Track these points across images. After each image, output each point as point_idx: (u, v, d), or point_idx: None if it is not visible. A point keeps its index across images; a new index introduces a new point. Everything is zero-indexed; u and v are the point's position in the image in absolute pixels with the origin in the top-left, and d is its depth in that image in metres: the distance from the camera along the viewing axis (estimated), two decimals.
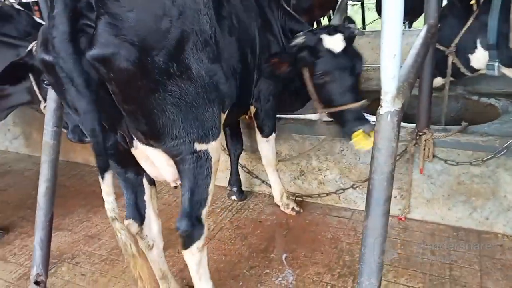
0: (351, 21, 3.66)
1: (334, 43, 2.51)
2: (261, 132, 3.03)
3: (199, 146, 1.85)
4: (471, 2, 2.87)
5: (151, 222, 2.24)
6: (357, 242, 2.89)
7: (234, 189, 3.59)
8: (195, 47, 1.72)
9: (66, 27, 1.47)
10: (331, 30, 2.58)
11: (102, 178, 1.73)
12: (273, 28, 2.76)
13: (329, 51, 2.51)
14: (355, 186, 3.25)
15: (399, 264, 2.64)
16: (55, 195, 2.34)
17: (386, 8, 1.28)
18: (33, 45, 2.65)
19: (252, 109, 2.88)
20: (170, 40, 1.61)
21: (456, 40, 2.98)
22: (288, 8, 2.94)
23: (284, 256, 2.82)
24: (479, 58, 3.04)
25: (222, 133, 2.01)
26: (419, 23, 6.14)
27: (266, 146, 3.10)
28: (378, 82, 1.41)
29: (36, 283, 2.23)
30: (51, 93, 2.35)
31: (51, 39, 1.50)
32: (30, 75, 2.81)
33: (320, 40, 2.53)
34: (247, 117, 3.06)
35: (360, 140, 2.42)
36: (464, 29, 2.97)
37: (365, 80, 4.38)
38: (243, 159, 3.67)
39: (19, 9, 4.52)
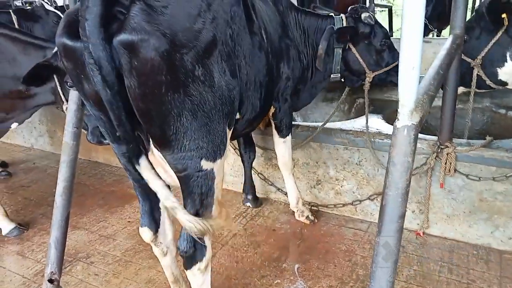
0: None
1: (372, 17, 3.08)
2: (279, 132, 3.02)
3: (205, 165, 1.78)
4: (502, 16, 2.80)
5: (166, 229, 2.23)
6: (372, 256, 2.81)
7: (249, 196, 3.59)
8: (220, 56, 1.71)
9: (100, 10, 1.40)
10: (363, 9, 3.10)
11: (139, 164, 1.71)
12: (292, 34, 2.86)
13: (377, 24, 3.10)
14: (372, 197, 3.19)
15: (415, 281, 2.56)
16: (72, 195, 2.38)
17: (406, 18, 1.22)
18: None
19: (271, 109, 2.88)
20: (200, 42, 1.59)
21: (483, 53, 2.91)
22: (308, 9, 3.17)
23: (296, 266, 2.79)
24: (509, 72, 2.96)
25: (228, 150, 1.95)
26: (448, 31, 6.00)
27: (283, 147, 3.09)
28: None
29: (50, 281, 2.27)
30: (72, 95, 2.41)
31: (82, 21, 1.41)
32: (54, 76, 2.89)
33: (369, 16, 3.06)
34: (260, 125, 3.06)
35: None
36: (493, 41, 2.90)
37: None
38: (259, 165, 3.66)
39: (49, 10, 4.68)
